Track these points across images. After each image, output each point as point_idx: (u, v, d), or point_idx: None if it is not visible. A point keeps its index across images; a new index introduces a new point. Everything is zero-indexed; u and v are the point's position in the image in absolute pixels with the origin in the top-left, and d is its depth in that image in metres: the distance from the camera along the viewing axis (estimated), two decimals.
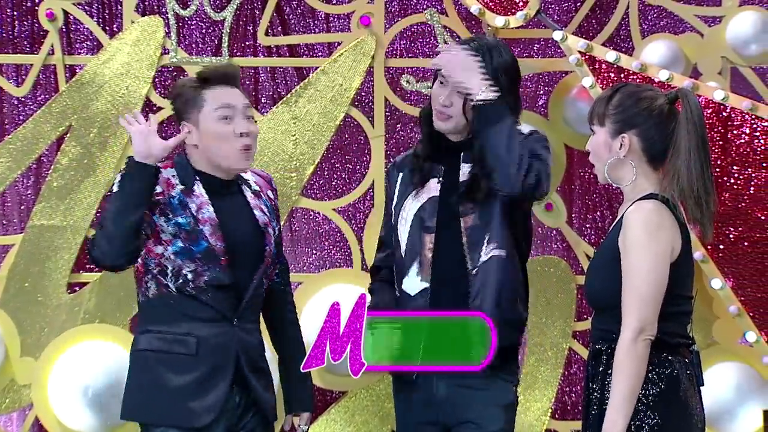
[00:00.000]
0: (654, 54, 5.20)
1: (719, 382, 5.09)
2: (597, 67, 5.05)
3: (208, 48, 5.37)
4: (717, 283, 4.99)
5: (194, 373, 3.36)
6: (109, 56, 5.20)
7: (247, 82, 5.39)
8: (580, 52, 5.05)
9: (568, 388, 5.39)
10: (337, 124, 5.24)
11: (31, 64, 5.26)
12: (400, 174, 3.67)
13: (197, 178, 3.41)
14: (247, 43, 5.39)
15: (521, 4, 5.11)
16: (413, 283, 3.55)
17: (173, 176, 3.40)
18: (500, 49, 3.62)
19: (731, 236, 4.98)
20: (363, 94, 5.32)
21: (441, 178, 3.59)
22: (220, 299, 3.38)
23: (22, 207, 5.38)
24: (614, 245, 3.06)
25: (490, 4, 5.11)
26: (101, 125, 5.19)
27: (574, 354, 5.34)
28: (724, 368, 5.13)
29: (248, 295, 3.41)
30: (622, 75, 5.03)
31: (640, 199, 3.07)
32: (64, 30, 5.31)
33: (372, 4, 5.29)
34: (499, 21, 5.10)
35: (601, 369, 3.07)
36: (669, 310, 3.03)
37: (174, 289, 3.38)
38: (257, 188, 3.51)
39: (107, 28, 5.33)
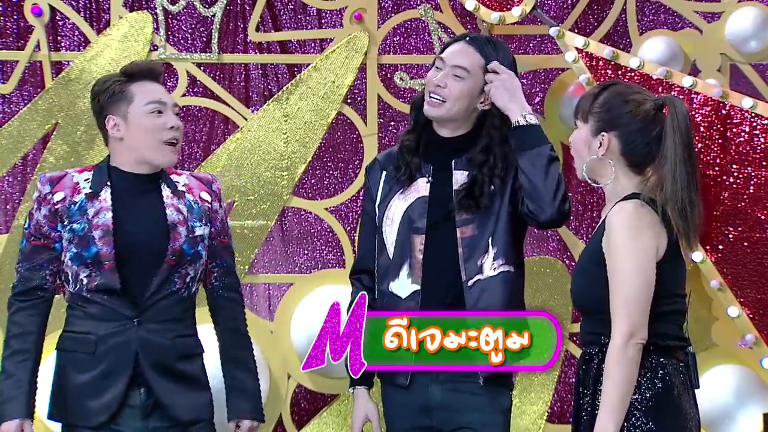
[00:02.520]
0: (652, 51, 5.18)
1: (718, 385, 5.07)
2: (594, 64, 5.01)
3: (198, 44, 5.32)
4: (716, 284, 4.95)
5: (92, 372, 3.41)
6: (97, 52, 5.15)
7: (238, 79, 5.35)
8: (576, 48, 5.01)
9: (564, 392, 5.35)
10: (329, 122, 5.21)
11: (17, 61, 5.21)
12: (384, 172, 3.58)
13: (109, 183, 3.47)
14: (237, 39, 5.35)
15: (517, 0, 5.06)
16: (403, 285, 3.49)
17: (86, 180, 3.48)
18: (501, 46, 3.57)
19: (730, 236, 4.95)
20: (355, 91, 5.28)
21: (430, 178, 3.52)
22: (116, 302, 3.42)
23: (7, 206, 5.33)
24: (598, 248, 3.03)
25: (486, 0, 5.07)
26: (88, 123, 5.12)
27: (570, 356, 5.29)
28: (724, 371, 5.11)
29: (148, 297, 3.42)
30: (620, 72, 4.99)
31: (622, 199, 3.04)
32: (50, 26, 5.25)
33: None
34: (494, 17, 5.06)
35: (592, 374, 3.04)
36: (660, 310, 3.01)
37: (75, 293, 3.46)
38: (183, 189, 3.51)
39: (94, 23, 5.29)
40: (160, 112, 3.45)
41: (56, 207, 3.44)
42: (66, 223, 3.43)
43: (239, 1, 5.33)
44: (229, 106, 5.24)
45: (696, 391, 3.09)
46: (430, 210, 3.49)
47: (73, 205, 3.43)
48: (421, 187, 3.51)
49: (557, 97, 5.29)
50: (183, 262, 3.44)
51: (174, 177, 3.53)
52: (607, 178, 3.08)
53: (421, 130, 3.55)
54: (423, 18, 5.26)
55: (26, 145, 5.15)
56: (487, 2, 5.08)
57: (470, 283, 3.44)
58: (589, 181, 3.11)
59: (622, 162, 3.07)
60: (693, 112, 4.96)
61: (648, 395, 2.97)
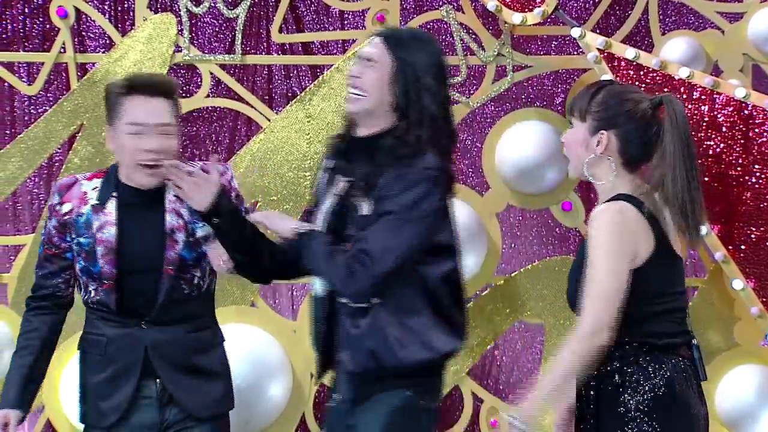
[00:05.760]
0: (674, 51, 5.17)
1: (741, 385, 5.05)
2: (616, 64, 5.01)
3: (222, 45, 5.34)
4: (738, 284, 4.94)
5: (103, 373, 3.43)
6: (121, 54, 5.17)
7: (261, 80, 5.36)
8: (598, 49, 5.00)
9: None
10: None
11: (43, 63, 5.23)
12: (320, 172, 3.45)
13: (114, 193, 3.44)
14: (260, 40, 5.36)
15: (539, 0, 5.06)
16: (317, 286, 3.37)
17: (94, 189, 3.45)
18: (418, 42, 3.30)
19: (753, 236, 4.94)
20: None
21: (341, 182, 3.34)
22: (123, 312, 3.42)
23: (33, 207, 5.36)
24: (586, 248, 3.04)
25: (507, 0, 5.07)
26: None
27: None
28: (746, 371, 5.09)
29: (158, 306, 3.40)
30: (642, 72, 4.98)
31: (610, 200, 3.05)
32: (75, 27, 5.28)
33: (387, 0, 5.24)
34: (516, 18, 5.06)
35: (591, 381, 3.03)
36: (654, 310, 3.01)
37: (85, 301, 3.48)
38: None
39: (119, 25, 5.31)
40: (140, 133, 3.38)
41: (64, 219, 3.45)
42: (74, 236, 3.43)
43: (262, 3, 5.34)
44: (252, 107, 5.26)
45: (706, 384, 3.09)
46: (332, 214, 3.35)
47: (79, 218, 3.43)
48: (340, 186, 3.35)
49: None
50: (184, 268, 3.42)
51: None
52: (605, 177, 3.08)
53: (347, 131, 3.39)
54: (445, 19, 5.26)
55: (52, 146, 5.16)
56: (509, 3, 5.08)
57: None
58: (584, 178, 3.11)
59: (619, 161, 3.07)
60: (715, 113, 4.96)
61: (648, 396, 2.96)
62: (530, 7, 5.07)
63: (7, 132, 5.34)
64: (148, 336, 3.41)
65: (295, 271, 3.40)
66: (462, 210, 4.70)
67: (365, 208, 3.25)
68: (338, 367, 3.32)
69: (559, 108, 5.34)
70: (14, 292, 5.09)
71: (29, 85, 5.26)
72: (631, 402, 2.97)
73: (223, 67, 5.28)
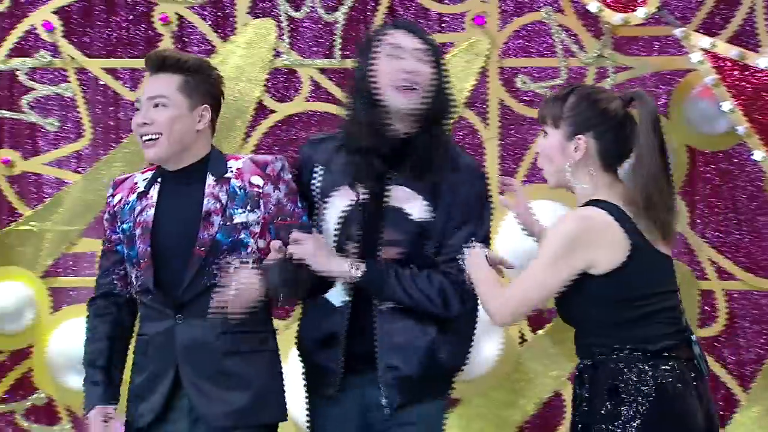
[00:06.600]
0: None
1: None
2: (720, 64, 4.93)
3: (321, 49, 5.36)
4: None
5: (144, 374, 3.39)
6: (222, 59, 5.22)
7: None
8: (702, 49, 4.92)
9: None
10: (450, 126, 5.17)
11: None
12: (320, 166, 3.44)
13: (159, 179, 3.43)
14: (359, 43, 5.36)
15: (641, 0, 5.00)
16: (338, 293, 3.39)
17: (144, 179, 3.45)
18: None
19: None
20: (477, 94, 5.25)
21: (370, 183, 3.37)
22: (156, 301, 3.36)
23: None
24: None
25: (609, 1, 5.02)
26: None
27: None
28: None
29: (183, 291, 3.33)
30: (747, 73, 4.90)
31: (583, 205, 3.03)
32: (177, 33, 5.34)
33: (486, 3, 5.22)
34: (617, 18, 5.00)
35: (585, 386, 3.02)
36: (643, 312, 2.98)
37: (133, 292, 3.44)
38: (230, 175, 3.40)
39: (220, 30, 5.36)
40: (138, 110, 3.40)
41: (114, 209, 3.45)
42: (119, 223, 3.42)
43: (361, 7, 5.36)
44: None
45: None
46: (365, 218, 3.38)
47: (126, 206, 3.42)
48: (360, 190, 3.39)
49: (682, 99, 5.19)
50: (218, 252, 3.33)
51: (231, 162, 3.42)
52: (584, 182, 3.05)
53: (377, 131, 3.41)
54: (545, 20, 5.22)
55: None
56: (611, 3, 5.02)
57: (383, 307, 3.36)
58: (564, 186, 3.07)
59: (598, 164, 3.04)
60: None
61: (645, 405, 2.92)
62: (632, 7, 5.01)
63: (112, 137, 5.42)
64: (182, 334, 3.33)
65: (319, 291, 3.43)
66: (560, 210, 4.67)
67: (416, 211, 3.33)
68: (373, 374, 3.34)
69: (662, 109, 5.26)
70: None
71: (133, 90, 5.34)
72: (623, 411, 2.92)
73: (322, 71, 5.30)
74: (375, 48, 3.42)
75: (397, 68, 3.37)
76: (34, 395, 5.31)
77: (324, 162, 3.44)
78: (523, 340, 5.18)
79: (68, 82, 5.34)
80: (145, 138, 3.38)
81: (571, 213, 3.05)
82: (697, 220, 5.30)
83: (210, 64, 3.50)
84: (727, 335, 5.25)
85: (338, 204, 3.39)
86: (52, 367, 5.13)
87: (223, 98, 3.49)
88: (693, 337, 3.05)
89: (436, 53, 3.44)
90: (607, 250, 2.97)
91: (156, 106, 3.37)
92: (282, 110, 5.32)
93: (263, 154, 3.53)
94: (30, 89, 5.35)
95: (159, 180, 3.42)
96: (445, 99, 3.43)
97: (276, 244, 3.29)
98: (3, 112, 5.37)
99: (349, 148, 3.39)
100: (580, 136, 3.03)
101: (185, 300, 3.33)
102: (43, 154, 5.37)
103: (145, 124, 3.37)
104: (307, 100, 5.30)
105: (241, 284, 3.22)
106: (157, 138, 3.36)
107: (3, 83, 5.39)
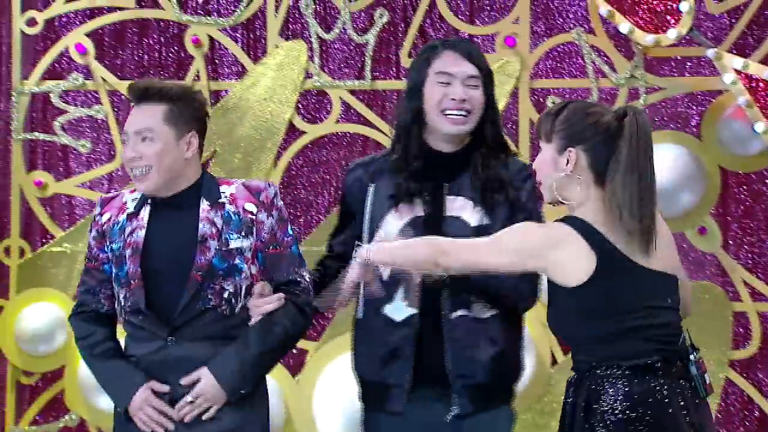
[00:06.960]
0: None
1: None
2: (753, 85, 4.89)
3: (352, 71, 5.36)
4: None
5: None
6: (253, 81, 5.24)
7: (390, 106, 5.37)
8: (735, 70, 4.89)
9: (724, 419, 5.20)
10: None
11: None
12: (372, 185, 3.50)
13: (149, 201, 3.43)
14: (390, 65, 5.37)
15: (673, 21, 4.98)
16: (399, 308, 3.41)
17: (133, 200, 3.45)
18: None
19: None
20: (508, 115, 5.24)
21: (427, 197, 3.44)
22: (147, 322, 3.35)
23: None
24: (553, 282, 2.99)
25: (640, 22, 5.00)
26: (245, 150, 5.22)
27: (731, 384, 5.15)
28: None
29: (178, 314, 3.34)
30: None
31: (558, 219, 3.00)
32: (209, 55, 5.36)
33: (517, 24, 5.22)
34: (649, 39, 4.98)
35: (568, 407, 2.99)
36: (619, 328, 2.92)
37: (121, 316, 3.43)
38: (225, 200, 3.40)
39: (251, 52, 5.38)
40: (125, 143, 3.41)
41: (102, 228, 3.45)
42: (108, 243, 3.43)
43: (392, 28, 5.36)
44: (381, 132, 5.27)
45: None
46: (426, 232, 3.35)
47: (115, 225, 3.42)
48: (417, 206, 3.45)
49: (715, 119, 5.16)
50: (214, 276, 3.34)
51: (223, 187, 3.43)
52: (575, 197, 3.00)
53: (423, 153, 3.49)
54: (576, 41, 5.21)
55: None
56: (642, 24, 5.01)
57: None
58: (559, 201, 3.02)
59: (590, 177, 3.00)
60: None
61: (614, 426, 2.87)
62: (664, 28, 4.99)
63: None
64: (174, 355, 3.33)
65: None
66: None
67: (474, 219, 3.41)
68: (440, 384, 3.37)
69: (694, 130, 5.23)
70: None
71: None
72: (599, 427, 2.88)
73: (353, 92, 5.31)
74: (425, 69, 3.48)
75: (446, 94, 3.44)
76: (66, 417, 5.33)
77: (375, 182, 3.50)
78: (554, 361, 5.15)
79: (100, 104, 5.38)
80: (135, 171, 3.39)
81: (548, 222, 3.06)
82: (730, 242, 5.26)
83: (193, 88, 3.51)
84: (761, 356, 5.21)
85: (393, 222, 3.44)
86: (84, 388, 5.14)
87: (209, 119, 3.50)
88: (692, 357, 2.99)
89: (487, 76, 3.49)
90: (564, 255, 2.93)
91: (144, 140, 3.38)
92: (312, 131, 5.33)
93: (263, 181, 3.52)
94: (63, 111, 5.39)
95: (149, 202, 3.43)
96: (493, 122, 3.51)
97: (259, 287, 3.34)
98: (36, 134, 5.41)
99: (403, 166, 3.47)
100: (570, 148, 3.01)
101: (178, 323, 3.34)
102: (76, 175, 5.41)
103: (134, 158, 3.38)
104: (337, 122, 5.31)
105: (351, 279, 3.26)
106: (148, 171, 3.37)
107: (36, 105, 5.43)
